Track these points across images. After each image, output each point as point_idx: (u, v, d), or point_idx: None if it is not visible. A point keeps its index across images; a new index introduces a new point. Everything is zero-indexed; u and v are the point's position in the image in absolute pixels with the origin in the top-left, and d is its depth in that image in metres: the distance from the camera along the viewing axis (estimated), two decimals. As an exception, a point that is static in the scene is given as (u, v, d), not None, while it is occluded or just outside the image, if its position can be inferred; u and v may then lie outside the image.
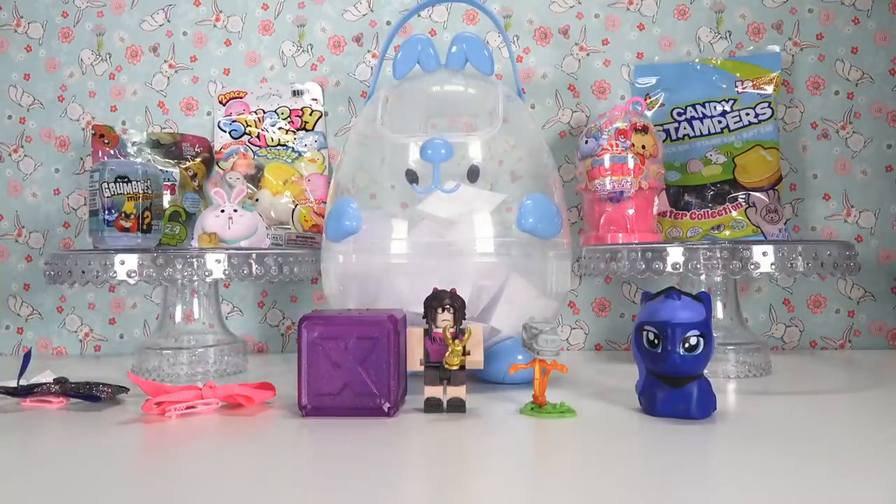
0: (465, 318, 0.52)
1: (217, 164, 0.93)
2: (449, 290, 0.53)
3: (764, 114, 0.86)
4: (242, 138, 0.93)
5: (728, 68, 0.88)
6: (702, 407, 0.49)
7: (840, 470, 0.38)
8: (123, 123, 0.95)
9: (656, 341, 0.49)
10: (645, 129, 0.78)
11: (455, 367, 0.51)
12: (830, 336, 0.89)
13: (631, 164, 0.77)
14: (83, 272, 0.66)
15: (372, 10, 0.95)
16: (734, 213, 0.84)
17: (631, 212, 0.78)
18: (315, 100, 0.94)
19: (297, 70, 0.95)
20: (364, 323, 0.50)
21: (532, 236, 0.65)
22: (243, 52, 0.96)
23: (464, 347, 0.51)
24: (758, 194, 0.84)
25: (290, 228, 0.88)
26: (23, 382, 0.58)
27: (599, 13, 0.92)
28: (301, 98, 0.94)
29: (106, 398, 0.57)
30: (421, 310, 0.53)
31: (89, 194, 0.74)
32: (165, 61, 0.96)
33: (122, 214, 0.73)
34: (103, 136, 0.89)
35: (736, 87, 0.87)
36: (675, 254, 0.63)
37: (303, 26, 0.95)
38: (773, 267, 0.61)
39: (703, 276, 0.72)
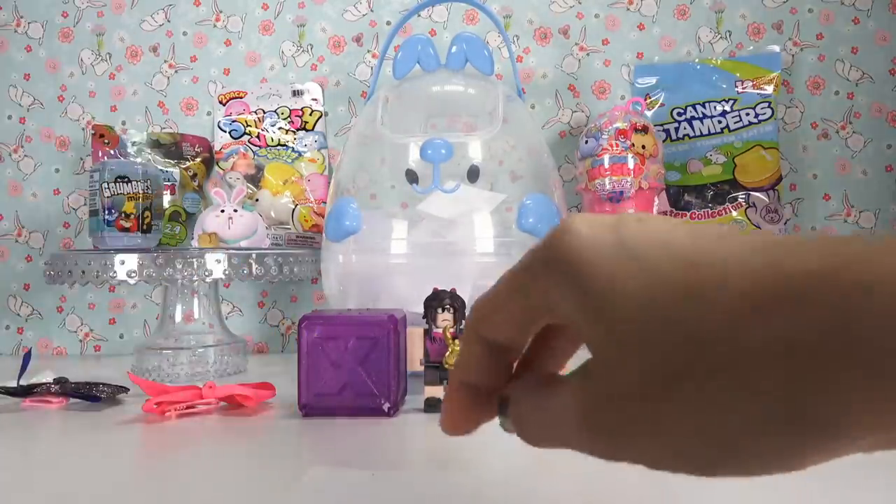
0: (465, 318, 0.52)
1: (217, 164, 0.93)
2: (449, 290, 0.53)
3: (764, 114, 0.86)
4: (242, 138, 0.93)
5: (728, 68, 0.88)
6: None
7: (840, 470, 0.38)
8: (123, 123, 0.95)
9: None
10: (645, 129, 0.78)
11: (455, 367, 0.51)
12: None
13: (631, 164, 0.77)
14: (83, 272, 0.66)
15: (372, 10, 0.95)
16: (734, 213, 0.84)
17: (631, 212, 0.78)
18: (315, 100, 0.94)
19: (297, 70, 0.95)
20: (364, 323, 0.50)
21: (532, 236, 0.65)
22: (243, 52, 0.96)
23: (464, 347, 0.51)
24: (758, 194, 0.84)
25: (290, 228, 0.88)
26: (23, 382, 0.58)
27: (599, 13, 0.92)
28: (301, 98, 0.94)
29: (106, 398, 0.57)
30: (421, 310, 0.53)
31: (89, 194, 0.74)
32: (165, 61, 0.96)
33: (122, 214, 0.73)
34: (103, 136, 0.89)
35: (736, 87, 0.87)
36: (675, 254, 0.63)
37: (303, 26, 0.95)
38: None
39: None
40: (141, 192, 0.74)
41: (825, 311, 0.16)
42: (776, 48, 0.89)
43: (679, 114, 0.89)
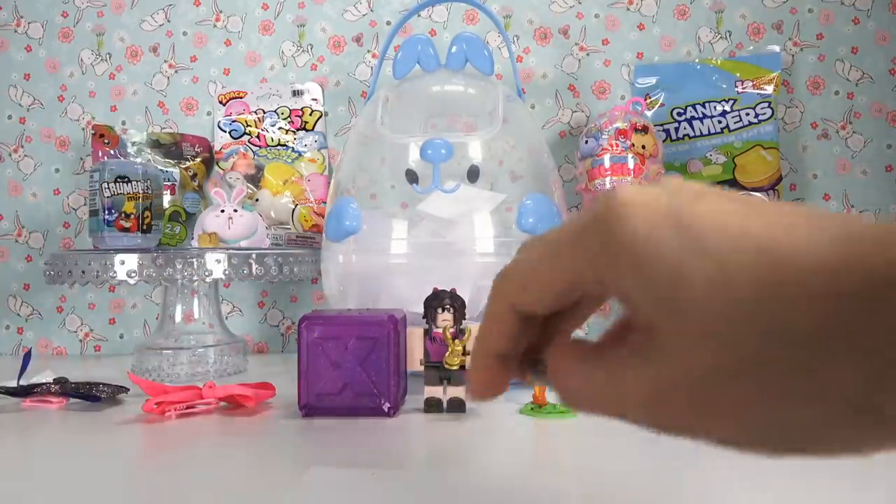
0: (465, 318, 0.52)
1: (217, 164, 0.93)
2: (449, 290, 0.53)
3: (764, 114, 0.86)
4: (242, 138, 0.93)
5: (728, 68, 0.88)
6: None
7: (841, 472, 0.38)
8: (123, 123, 0.95)
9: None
10: (645, 129, 0.78)
11: (455, 367, 0.51)
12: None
13: (631, 164, 0.77)
14: (83, 272, 0.66)
15: (372, 10, 0.95)
16: (734, 213, 0.84)
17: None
18: (315, 100, 0.94)
19: (297, 70, 0.95)
20: (364, 323, 0.50)
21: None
22: (243, 52, 0.96)
23: (464, 347, 0.51)
24: (758, 194, 0.84)
25: (290, 228, 0.87)
26: (23, 382, 0.58)
27: (599, 13, 0.92)
28: (301, 98, 0.94)
29: (106, 398, 0.57)
30: (421, 310, 0.53)
31: (89, 194, 0.74)
32: (165, 61, 0.96)
33: (122, 214, 0.73)
34: (103, 136, 0.89)
35: (736, 87, 0.87)
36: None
37: (303, 26, 0.95)
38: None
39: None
40: (141, 192, 0.74)
41: None
42: (776, 48, 0.89)
43: (679, 114, 0.89)
